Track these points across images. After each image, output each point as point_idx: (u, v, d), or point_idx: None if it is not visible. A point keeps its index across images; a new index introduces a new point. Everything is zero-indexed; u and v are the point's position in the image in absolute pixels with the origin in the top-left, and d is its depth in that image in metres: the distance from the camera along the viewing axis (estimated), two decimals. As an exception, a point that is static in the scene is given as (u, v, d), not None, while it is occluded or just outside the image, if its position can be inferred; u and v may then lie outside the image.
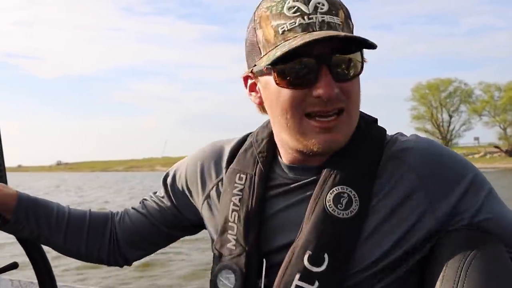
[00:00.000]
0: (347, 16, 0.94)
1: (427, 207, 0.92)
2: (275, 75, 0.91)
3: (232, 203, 1.01)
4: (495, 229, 0.94)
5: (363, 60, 0.93)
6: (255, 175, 1.02)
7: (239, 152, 1.08)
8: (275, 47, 0.90)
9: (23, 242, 1.26)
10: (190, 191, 1.15)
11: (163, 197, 1.20)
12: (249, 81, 1.01)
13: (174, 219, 1.19)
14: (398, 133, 1.03)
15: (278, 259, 0.94)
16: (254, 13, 0.97)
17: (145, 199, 1.24)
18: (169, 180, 1.19)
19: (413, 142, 0.97)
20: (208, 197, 1.11)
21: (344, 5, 0.94)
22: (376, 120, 1.05)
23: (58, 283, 1.35)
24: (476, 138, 70.41)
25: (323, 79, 0.88)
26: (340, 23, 0.90)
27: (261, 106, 1.01)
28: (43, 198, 1.21)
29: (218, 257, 1.01)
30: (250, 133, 1.13)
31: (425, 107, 64.94)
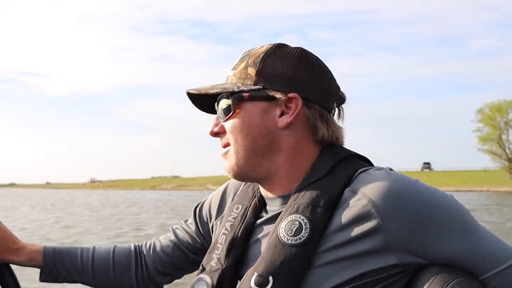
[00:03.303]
0: (248, 65, 1.03)
1: (385, 244, 0.89)
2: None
3: (224, 227, 1.10)
4: (463, 263, 0.92)
5: (233, 104, 1.02)
6: (249, 206, 1.09)
7: (243, 186, 1.17)
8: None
9: None
10: (211, 217, 1.24)
11: (191, 224, 1.29)
12: None
13: (200, 245, 1.26)
14: (370, 168, 0.99)
15: None
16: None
17: (176, 228, 1.33)
18: (198, 208, 1.29)
19: (379, 177, 0.93)
20: (221, 219, 1.18)
21: (258, 54, 1.03)
22: (364, 158, 1.06)
23: None
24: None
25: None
26: (231, 74, 1.05)
27: None
28: (67, 245, 1.32)
29: (200, 271, 1.08)
30: None
31: (492, 129, 63.92)
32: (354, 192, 0.93)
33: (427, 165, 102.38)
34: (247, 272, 0.95)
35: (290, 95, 1.00)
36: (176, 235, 1.31)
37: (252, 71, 1.01)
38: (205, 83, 1.10)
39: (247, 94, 1.00)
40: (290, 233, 0.93)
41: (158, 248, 1.31)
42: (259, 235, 1.05)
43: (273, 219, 1.02)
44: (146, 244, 1.35)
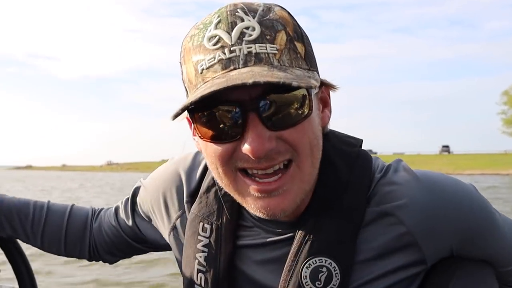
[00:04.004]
0: (293, 38, 0.76)
1: (424, 268, 0.86)
2: (196, 126, 0.76)
3: (197, 261, 0.89)
4: (487, 259, 0.93)
5: (310, 99, 0.75)
6: (221, 225, 0.89)
7: (200, 192, 0.94)
8: (196, 90, 0.75)
9: (3, 245, 1.29)
10: (156, 220, 1.07)
11: (131, 215, 1.14)
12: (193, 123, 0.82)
13: (141, 237, 1.14)
14: (386, 170, 0.87)
15: None
16: (182, 41, 0.80)
17: (118, 208, 1.18)
18: (138, 199, 1.12)
19: (407, 194, 0.82)
20: (173, 228, 1.01)
21: (291, 22, 0.77)
22: (360, 144, 0.90)
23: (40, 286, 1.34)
24: None
25: (250, 131, 0.72)
26: (275, 52, 0.73)
27: None
28: (20, 199, 1.18)
29: None
30: None
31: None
32: (384, 214, 0.83)
33: (446, 148, 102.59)
34: None
35: (323, 80, 0.80)
36: (118, 220, 1.18)
37: (301, 48, 0.78)
38: None
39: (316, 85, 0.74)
40: (318, 283, 0.80)
41: (102, 229, 1.20)
42: (251, 263, 0.88)
43: (269, 245, 0.86)
44: (97, 217, 1.22)
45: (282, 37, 0.74)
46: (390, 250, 0.82)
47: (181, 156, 1.05)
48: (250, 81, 0.67)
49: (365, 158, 0.88)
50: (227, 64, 0.72)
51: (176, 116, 0.71)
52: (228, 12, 0.74)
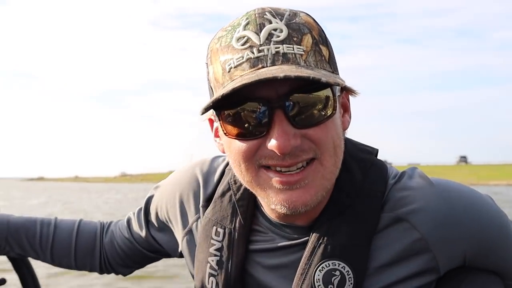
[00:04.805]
0: (318, 41, 0.79)
1: (436, 276, 0.86)
2: (221, 123, 0.79)
3: (209, 265, 0.91)
4: (498, 270, 0.92)
5: (335, 98, 0.77)
6: (234, 230, 0.90)
7: (215, 197, 0.96)
8: (223, 88, 0.77)
9: (11, 257, 1.29)
10: (170, 222, 1.08)
11: (145, 225, 1.15)
12: (214, 124, 0.89)
13: (156, 246, 1.16)
14: (400, 176, 0.88)
15: None
16: (208, 44, 0.84)
17: (130, 219, 1.20)
18: (151, 208, 1.14)
19: (421, 199, 0.83)
20: (188, 233, 1.02)
21: (316, 27, 0.80)
22: (375, 153, 0.92)
23: None
24: None
25: (276, 128, 0.74)
26: (302, 52, 0.76)
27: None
28: (27, 217, 1.19)
29: None
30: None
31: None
32: (397, 220, 0.83)
33: (463, 159, 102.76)
34: None
35: (345, 85, 0.79)
36: (131, 232, 1.19)
37: (325, 51, 0.79)
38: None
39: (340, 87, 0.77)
40: (331, 287, 0.80)
41: (115, 242, 1.21)
42: (263, 268, 0.88)
43: (282, 249, 0.87)
44: (107, 230, 1.23)
45: (308, 40, 0.77)
46: (404, 256, 0.82)
47: (199, 160, 1.07)
48: (281, 75, 0.69)
49: (380, 165, 0.90)
50: (255, 62, 0.74)
51: (206, 110, 0.74)
52: (257, 15, 0.77)
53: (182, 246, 1.04)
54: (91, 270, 1.23)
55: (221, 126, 0.79)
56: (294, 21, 0.78)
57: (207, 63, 0.82)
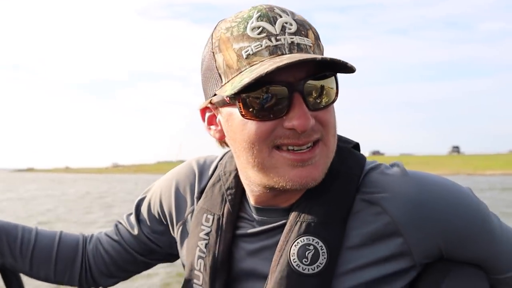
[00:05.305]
0: (317, 37, 0.87)
1: (411, 261, 0.86)
2: (241, 105, 0.82)
3: (198, 248, 0.96)
4: (481, 264, 0.91)
5: (337, 86, 0.85)
6: (222, 216, 0.95)
7: (207, 187, 1.02)
8: (239, 73, 0.81)
9: (5, 277, 1.22)
10: (164, 217, 1.10)
11: (137, 224, 1.15)
12: (207, 114, 0.93)
13: (149, 247, 1.14)
14: (378, 165, 0.92)
15: None
16: (211, 35, 0.88)
17: (119, 223, 1.19)
18: (143, 207, 1.15)
19: (396, 182, 0.87)
20: (183, 223, 1.05)
21: (312, 26, 0.88)
22: (355, 145, 0.97)
23: None
24: None
25: (296, 109, 0.80)
26: (310, 44, 0.83)
27: (222, 141, 0.93)
28: (7, 222, 1.15)
29: None
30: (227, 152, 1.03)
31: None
32: (370, 203, 0.86)
33: (456, 149, 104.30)
34: None
35: None
36: (120, 234, 1.17)
37: (322, 47, 0.89)
38: None
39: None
40: (305, 261, 0.83)
41: (101, 248, 1.18)
42: (248, 251, 0.93)
43: (265, 233, 0.92)
44: (91, 239, 1.21)
45: (311, 34, 0.85)
46: (375, 239, 0.85)
47: (195, 157, 1.12)
48: (319, 57, 0.76)
49: (358, 154, 0.94)
50: (274, 50, 0.80)
51: (245, 86, 0.77)
52: (267, 9, 0.84)
53: (177, 237, 1.07)
54: (69, 281, 1.17)
55: (240, 108, 0.82)
56: (297, 18, 0.85)
57: (213, 52, 0.85)
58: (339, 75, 0.84)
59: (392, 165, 0.91)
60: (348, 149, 0.94)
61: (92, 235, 1.23)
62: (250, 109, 0.81)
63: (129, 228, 1.16)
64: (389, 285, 0.85)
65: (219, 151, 1.03)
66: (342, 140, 0.95)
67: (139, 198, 1.17)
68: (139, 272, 1.21)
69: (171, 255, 1.16)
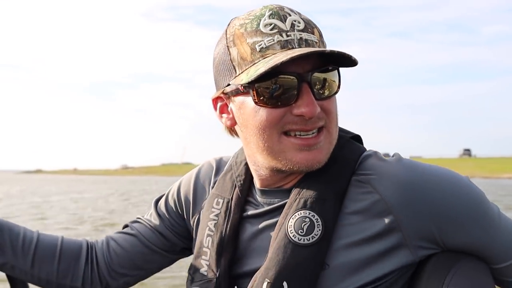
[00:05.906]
0: (321, 35, 0.94)
1: (402, 241, 0.88)
2: (254, 93, 0.89)
3: (207, 227, 1.02)
4: (479, 252, 0.93)
5: (340, 79, 0.92)
6: (231, 199, 1.02)
7: (220, 176, 1.09)
8: (253, 64, 0.88)
9: (10, 277, 1.18)
10: (182, 208, 1.15)
11: (155, 219, 1.17)
12: (219, 103, 1.00)
13: (167, 239, 1.16)
14: (376, 152, 0.98)
15: (246, 285, 0.94)
16: (226, 31, 0.95)
17: (136, 221, 1.19)
18: (161, 202, 1.19)
19: (387, 167, 0.91)
20: (200, 212, 1.11)
21: (316, 25, 0.95)
22: (356, 137, 1.03)
23: None
24: None
25: (305, 97, 0.87)
26: (316, 41, 0.91)
27: (231, 129, 1.01)
28: (7, 221, 1.12)
29: (190, 282, 1.02)
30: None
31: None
32: (362, 182, 0.91)
33: (467, 152, 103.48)
34: (255, 278, 0.91)
35: None
36: (137, 229, 1.17)
37: (325, 42, 0.96)
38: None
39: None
40: (301, 232, 0.88)
41: (113, 244, 1.16)
42: (252, 231, 0.99)
43: (268, 213, 0.98)
44: (97, 241, 1.20)
45: (316, 32, 0.92)
46: (367, 216, 0.89)
47: (215, 156, 1.20)
48: (328, 50, 0.84)
49: (358, 144, 1.01)
50: (285, 44, 0.87)
51: (261, 75, 0.84)
52: (278, 8, 0.91)
53: (193, 225, 1.12)
54: (72, 282, 1.13)
55: (253, 96, 0.89)
56: (303, 17, 0.93)
57: (228, 46, 0.93)
58: (342, 75, 0.93)
59: (393, 154, 0.97)
60: (347, 138, 1.01)
61: (98, 239, 1.21)
62: (263, 97, 0.88)
63: (146, 222, 1.17)
64: (382, 263, 0.88)
65: (224, 151, 1.15)
66: (342, 131, 1.02)
67: (156, 199, 1.22)
68: (154, 272, 1.20)
69: (189, 250, 1.19)
